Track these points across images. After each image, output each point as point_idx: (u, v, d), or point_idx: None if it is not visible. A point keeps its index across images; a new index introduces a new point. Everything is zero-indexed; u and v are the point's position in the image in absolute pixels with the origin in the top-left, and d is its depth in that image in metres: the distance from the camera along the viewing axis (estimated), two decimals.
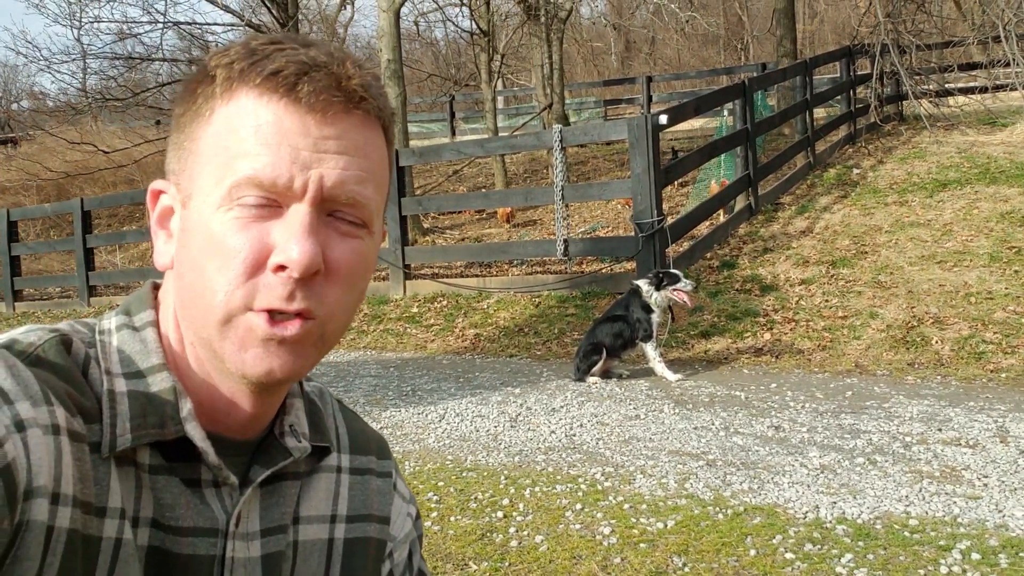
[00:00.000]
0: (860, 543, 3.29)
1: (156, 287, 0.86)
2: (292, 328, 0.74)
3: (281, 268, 0.72)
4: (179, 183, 0.78)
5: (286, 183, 0.73)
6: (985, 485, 3.81)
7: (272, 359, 0.75)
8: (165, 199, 0.81)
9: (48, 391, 0.70)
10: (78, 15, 14.08)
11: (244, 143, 0.73)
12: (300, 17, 14.64)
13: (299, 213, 0.73)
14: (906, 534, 3.35)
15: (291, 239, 0.72)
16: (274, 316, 0.73)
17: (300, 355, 0.76)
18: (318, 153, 0.74)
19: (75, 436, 0.70)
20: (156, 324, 0.81)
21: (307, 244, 0.72)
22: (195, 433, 0.76)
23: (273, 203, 0.73)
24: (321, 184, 0.74)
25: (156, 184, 0.82)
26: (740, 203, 9.94)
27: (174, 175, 0.79)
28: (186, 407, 0.77)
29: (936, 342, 6.29)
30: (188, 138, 0.78)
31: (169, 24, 14.01)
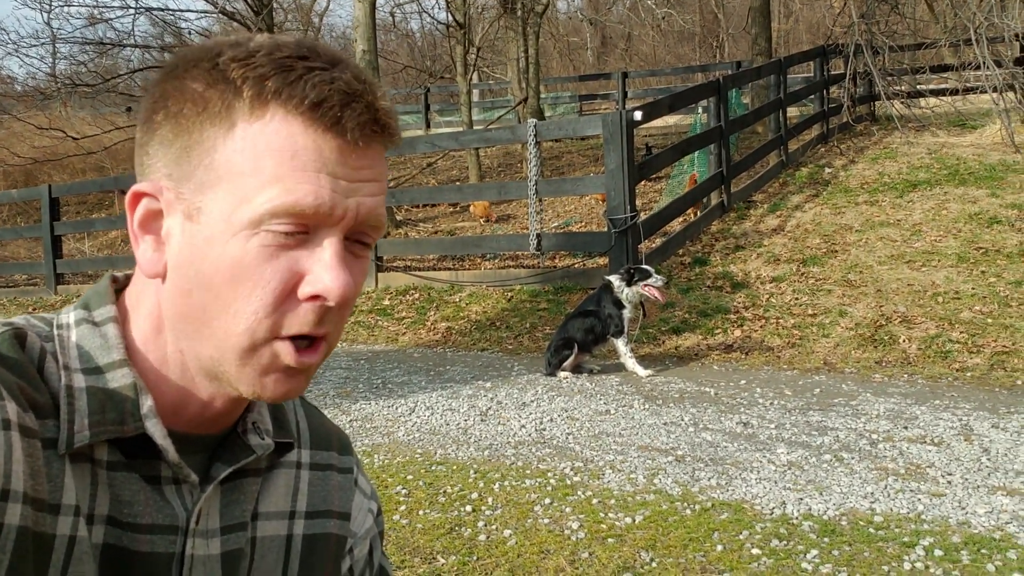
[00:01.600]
0: (825, 539, 3.32)
1: (115, 280, 0.83)
2: (314, 357, 0.76)
3: (315, 298, 0.73)
4: (180, 190, 0.74)
5: (328, 210, 0.72)
6: (949, 483, 3.86)
7: (290, 383, 0.76)
8: (151, 203, 0.76)
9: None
10: None
11: (280, 168, 0.71)
12: (275, 5, 14.50)
13: (332, 242, 0.73)
14: (871, 530, 3.39)
15: (326, 269, 0.72)
16: (298, 344, 0.74)
17: (309, 376, 0.78)
18: (355, 183, 0.74)
19: (27, 432, 0.69)
20: (117, 319, 0.79)
21: (343, 274, 0.73)
22: (155, 431, 0.75)
23: (302, 231, 0.73)
24: (358, 211, 0.74)
25: (140, 187, 0.77)
26: (713, 200, 10.00)
27: (172, 180, 0.74)
28: (147, 404, 0.75)
29: (904, 341, 6.36)
30: (198, 144, 0.73)
31: (141, 10, 13.84)
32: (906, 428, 4.65)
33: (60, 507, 0.70)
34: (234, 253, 0.71)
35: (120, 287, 0.83)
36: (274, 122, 0.71)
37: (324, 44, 0.81)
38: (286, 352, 0.73)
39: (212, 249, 0.72)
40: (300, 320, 0.73)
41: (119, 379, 0.75)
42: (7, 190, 16.36)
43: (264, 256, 0.71)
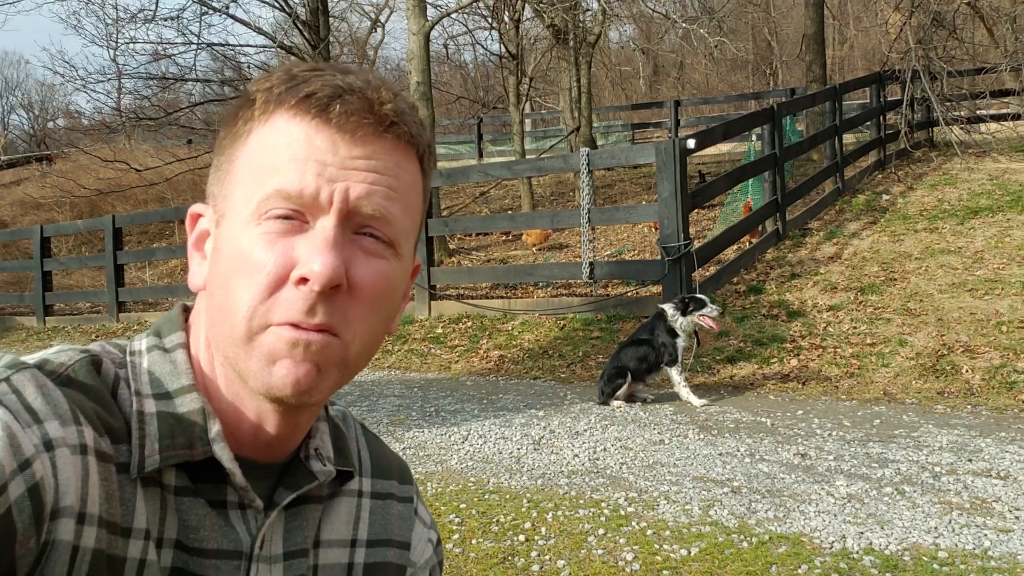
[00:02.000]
0: (888, 575, 3.24)
1: (186, 309, 0.86)
2: (315, 336, 0.73)
3: (303, 281, 0.72)
4: (216, 205, 0.80)
5: (312, 193, 0.73)
6: (1017, 518, 3.74)
7: (298, 369, 0.74)
8: (203, 222, 0.82)
9: (77, 411, 0.70)
10: (114, 36, 14.32)
11: (274, 160, 0.75)
12: (331, 40, 14.80)
13: (324, 227, 0.74)
14: (935, 566, 3.29)
15: (314, 252, 0.72)
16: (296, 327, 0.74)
17: (325, 373, 0.75)
18: (345, 170, 0.75)
19: (102, 456, 0.71)
20: (186, 346, 0.82)
21: (329, 257, 0.72)
22: (223, 454, 0.76)
23: (300, 217, 0.74)
24: (346, 196, 0.74)
25: (195, 207, 0.83)
26: (768, 228, 9.90)
27: (212, 197, 0.81)
28: (215, 428, 0.77)
29: (967, 371, 6.20)
30: (227, 160, 0.79)
31: (203, 45, 14.20)
32: (970, 461, 4.52)
33: (132, 531, 0.72)
34: (241, 245, 0.75)
35: (190, 316, 0.86)
36: (276, 121, 0.76)
37: (348, 64, 0.84)
38: (282, 331, 0.73)
39: (227, 247, 0.76)
40: (289, 307, 0.73)
41: (188, 404, 0.77)
42: (73, 221, 16.87)
43: (263, 243, 0.74)
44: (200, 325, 0.82)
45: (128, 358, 0.81)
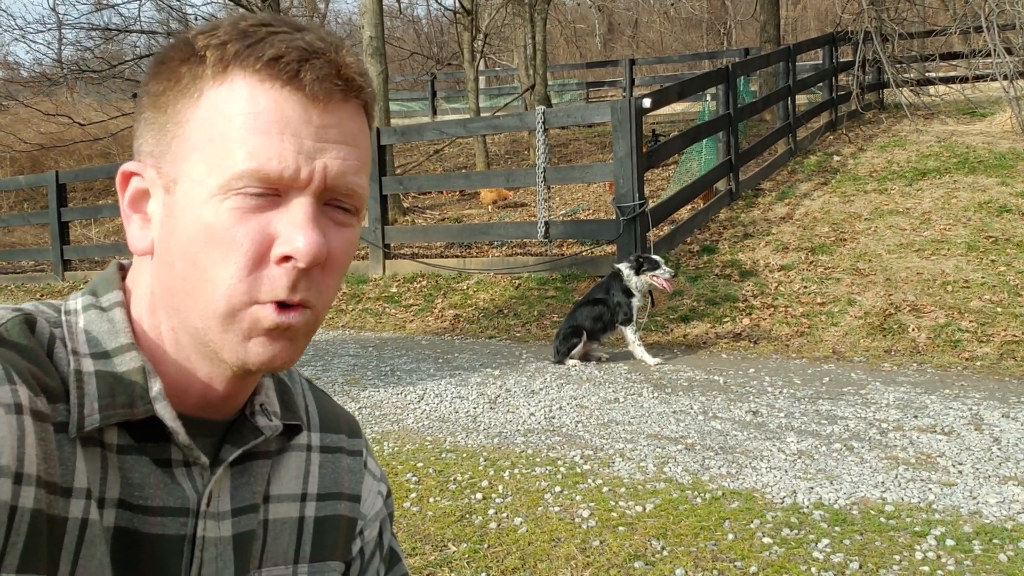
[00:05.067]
0: (837, 528, 3.32)
1: (122, 267, 0.85)
2: (295, 316, 0.75)
3: (286, 259, 0.72)
4: (160, 166, 0.76)
5: (292, 174, 0.72)
6: (960, 472, 3.85)
7: (274, 347, 0.75)
8: (138, 182, 0.79)
9: (11, 370, 0.69)
10: None
11: (243, 131, 0.72)
12: None
13: (302, 203, 0.73)
14: (882, 520, 3.38)
15: (296, 229, 0.72)
16: (280, 305, 0.74)
17: (297, 343, 0.77)
18: (320, 143, 0.73)
19: (39, 416, 0.69)
20: (124, 305, 0.80)
21: (313, 234, 0.72)
22: (165, 413, 0.76)
23: (273, 193, 0.73)
24: (325, 174, 0.74)
25: (128, 166, 0.80)
26: (721, 188, 9.97)
27: (152, 157, 0.77)
28: (155, 387, 0.76)
29: (913, 329, 6.34)
30: (171, 119, 0.75)
31: None
32: (916, 417, 4.64)
33: (72, 490, 0.71)
34: (207, 218, 0.72)
35: (126, 274, 0.84)
36: (236, 84, 0.73)
37: (294, 18, 0.82)
38: (266, 313, 0.73)
39: (187, 217, 0.74)
40: (274, 285, 0.73)
41: (127, 363, 0.76)
42: (14, 176, 16.37)
43: (235, 219, 0.72)
44: (143, 286, 0.80)
45: (63, 317, 0.79)
